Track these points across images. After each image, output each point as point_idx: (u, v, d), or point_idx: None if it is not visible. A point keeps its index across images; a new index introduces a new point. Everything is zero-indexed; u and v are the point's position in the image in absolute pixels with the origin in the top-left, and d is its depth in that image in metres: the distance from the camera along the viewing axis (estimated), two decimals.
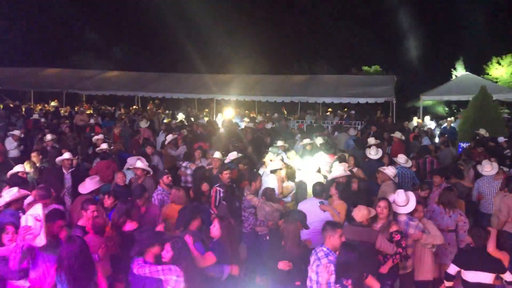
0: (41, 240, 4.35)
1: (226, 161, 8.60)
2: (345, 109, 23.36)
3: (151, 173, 7.65)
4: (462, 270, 4.92)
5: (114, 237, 4.85)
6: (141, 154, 8.92)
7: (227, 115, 18.24)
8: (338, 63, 30.53)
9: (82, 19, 31.34)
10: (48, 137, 10.45)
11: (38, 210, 4.48)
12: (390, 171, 7.56)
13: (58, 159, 8.34)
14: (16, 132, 11.04)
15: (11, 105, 19.84)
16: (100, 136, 10.58)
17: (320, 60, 31.56)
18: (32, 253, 4.33)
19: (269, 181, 7.65)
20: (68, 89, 21.25)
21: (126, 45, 31.90)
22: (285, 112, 21.65)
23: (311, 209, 5.97)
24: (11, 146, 10.63)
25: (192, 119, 17.82)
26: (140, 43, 31.83)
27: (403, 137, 11.99)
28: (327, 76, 22.32)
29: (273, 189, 6.95)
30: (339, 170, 7.55)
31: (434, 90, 18.88)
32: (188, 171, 8.89)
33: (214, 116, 19.56)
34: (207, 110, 21.78)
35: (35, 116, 16.11)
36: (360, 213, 5.22)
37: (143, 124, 14.01)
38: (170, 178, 7.00)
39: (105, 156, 9.19)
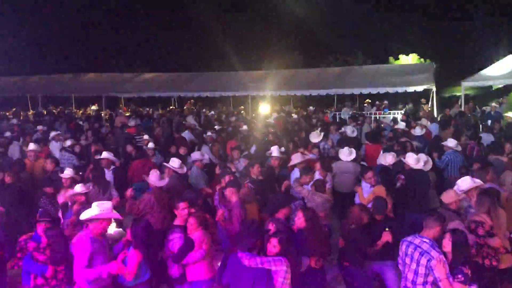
0: None
1: (291, 163, 8.20)
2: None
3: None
4: None
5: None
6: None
7: (263, 111, 18.24)
8: (374, 53, 29.87)
9: (117, 22, 32.09)
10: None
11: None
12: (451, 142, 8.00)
13: (98, 158, 8.63)
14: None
15: (54, 111, 20.59)
16: (145, 137, 10.94)
17: (355, 51, 31.04)
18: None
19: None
20: (107, 92, 21.83)
21: (161, 47, 32.44)
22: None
23: None
24: (56, 150, 11.00)
25: (223, 116, 17.92)
26: (175, 44, 32.29)
27: (430, 125, 12.02)
28: (363, 67, 21.89)
29: (323, 180, 6.92)
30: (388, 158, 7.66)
31: (476, 75, 18.13)
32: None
33: (250, 112, 19.59)
34: (242, 107, 21.85)
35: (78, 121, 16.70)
36: (448, 195, 5.26)
37: (190, 119, 14.33)
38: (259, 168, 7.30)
39: (141, 155, 9.39)
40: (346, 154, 8.45)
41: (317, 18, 32.17)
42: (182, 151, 9.73)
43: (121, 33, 31.98)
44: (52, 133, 11.85)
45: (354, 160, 8.46)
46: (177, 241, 5.02)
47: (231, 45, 28.16)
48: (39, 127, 14.02)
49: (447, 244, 4.15)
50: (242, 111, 20.63)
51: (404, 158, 7.61)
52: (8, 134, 12.85)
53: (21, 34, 27.78)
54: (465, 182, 5.87)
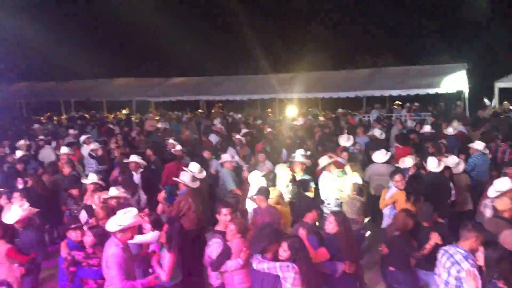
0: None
1: (319, 167, 8.08)
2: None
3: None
4: None
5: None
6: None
7: (290, 114, 18.16)
8: (404, 54, 29.28)
9: (147, 27, 32.62)
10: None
11: None
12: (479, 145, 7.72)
13: (126, 161, 8.77)
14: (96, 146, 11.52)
15: (86, 115, 21.11)
16: (171, 140, 11.06)
17: (385, 52, 30.50)
18: None
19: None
20: (137, 97, 22.23)
21: (190, 51, 32.78)
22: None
23: None
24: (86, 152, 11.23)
25: (251, 119, 17.93)
26: (203, 48, 32.56)
27: (460, 127, 11.60)
28: (393, 68, 21.52)
29: (363, 184, 6.84)
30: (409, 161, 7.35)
31: (510, 76, 17.59)
32: None
33: (277, 115, 19.55)
34: (270, 110, 21.83)
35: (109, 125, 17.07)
36: (503, 202, 5.02)
37: (217, 122, 14.54)
38: None
39: (173, 158, 9.48)
40: (381, 156, 8.29)
41: (344, 18, 31.84)
42: (206, 154, 9.75)
43: (151, 38, 32.48)
44: (83, 137, 12.12)
45: (388, 162, 8.30)
46: (215, 248, 4.96)
47: (259, 48, 28.15)
48: (71, 131, 14.39)
49: (479, 257, 3.93)
50: (269, 114, 20.59)
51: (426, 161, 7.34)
52: (41, 137, 13.25)
53: (56, 40, 28.63)
54: (504, 183, 5.61)
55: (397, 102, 21.02)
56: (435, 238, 4.88)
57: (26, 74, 27.48)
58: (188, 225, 6.32)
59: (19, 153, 10.61)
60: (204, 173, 7.66)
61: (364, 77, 19.85)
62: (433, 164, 7.13)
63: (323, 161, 7.78)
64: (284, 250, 4.22)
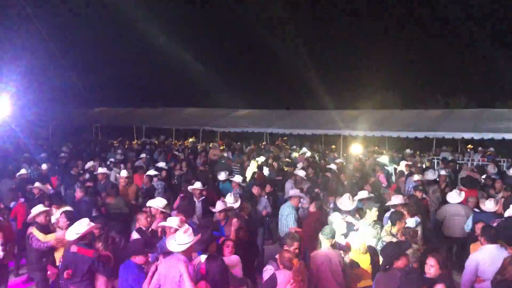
0: None
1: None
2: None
3: None
4: None
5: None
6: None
7: (355, 151, 17.78)
8: (480, 96, 27.95)
9: (214, 62, 33.98)
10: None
11: None
12: None
13: (189, 187, 8.97)
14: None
15: (156, 142, 22.07)
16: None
17: (458, 93, 29.33)
18: None
19: None
20: (204, 126, 22.93)
21: (256, 84, 33.55)
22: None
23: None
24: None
25: (316, 155, 17.77)
26: (269, 81, 33.23)
27: None
28: (466, 110, 20.57)
29: (414, 229, 6.59)
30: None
31: None
32: None
33: (341, 152, 19.25)
34: (333, 146, 21.57)
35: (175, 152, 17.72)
36: None
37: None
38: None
39: None
40: (455, 196, 8.43)
41: (416, 55, 31.13)
42: (255, 190, 9.45)
43: (218, 71, 33.76)
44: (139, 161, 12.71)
45: (462, 203, 8.38)
46: (266, 274, 5.23)
47: (325, 83, 28.23)
48: (142, 155, 15.16)
49: None
50: (333, 151, 20.34)
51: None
52: (111, 160, 14.00)
53: (130, 69, 30.77)
54: None
55: (469, 145, 20.03)
56: None
57: (105, 99, 29.41)
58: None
59: (87, 175, 11.18)
60: (238, 203, 7.77)
61: (435, 118, 19.11)
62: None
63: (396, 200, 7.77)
64: None
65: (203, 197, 8.93)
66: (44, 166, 12.18)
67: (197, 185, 9.01)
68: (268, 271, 5.22)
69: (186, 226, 5.43)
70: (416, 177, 10.50)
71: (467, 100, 27.96)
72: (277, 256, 5.21)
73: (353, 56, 31.18)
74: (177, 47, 33.35)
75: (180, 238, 4.96)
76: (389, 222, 6.90)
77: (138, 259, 5.32)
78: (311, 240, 6.67)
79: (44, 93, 23.96)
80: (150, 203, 7.38)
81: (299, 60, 30.62)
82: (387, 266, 5.09)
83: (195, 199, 8.80)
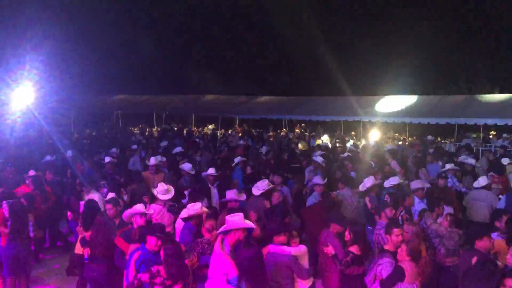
0: None
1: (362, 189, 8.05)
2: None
3: None
4: None
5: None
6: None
7: (373, 138, 17.60)
8: (503, 82, 27.25)
9: (234, 49, 33.90)
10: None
11: None
12: None
13: (204, 174, 9.04)
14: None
15: (176, 128, 22.29)
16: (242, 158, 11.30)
17: (482, 79, 28.63)
18: None
19: None
20: (223, 113, 23.02)
21: (275, 71, 33.41)
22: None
23: None
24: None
25: (337, 142, 17.64)
26: (288, 68, 33.01)
27: None
28: (490, 96, 20.13)
29: (455, 214, 6.65)
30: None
31: None
32: None
33: (361, 139, 19.13)
34: (354, 133, 21.43)
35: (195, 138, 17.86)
36: None
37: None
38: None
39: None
40: (481, 181, 8.36)
41: (437, 41, 30.41)
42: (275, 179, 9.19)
43: (238, 57, 33.69)
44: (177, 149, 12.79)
45: (486, 188, 8.22)
46: (386, 266, 5.02)
47: (344, 69, 27.86)
48: (164, 143, 15.30)
49: None
50: (353, 137, 20.20)
51: None
52: (134, 147, 14.18)
53: (153, 56, 30.96)
54: None
55: (492, 132, 19.67)
56: None
57: (125, 87, 29.68)
58: None
59: (107, 159, 11.13)
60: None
61: (457, 104, 18.75)
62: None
63: (369, 181, 7.94)
64: None
65: (218, 183, 8.92)
66: (69, 153, 12.34)
67: (211, 171, 8.97)
68: (386, 263, 5.01)
69: None
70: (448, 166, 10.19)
71: (490, 86, 27.31)
72: (386, 247, 5.24)
73: (373, 42, 30.63)
74: (199, 33, 33.54)
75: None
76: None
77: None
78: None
79: (65, 81, 24.27)
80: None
81: (318, 46, 30.25)
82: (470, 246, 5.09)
83: (210, 185, 8.77)
